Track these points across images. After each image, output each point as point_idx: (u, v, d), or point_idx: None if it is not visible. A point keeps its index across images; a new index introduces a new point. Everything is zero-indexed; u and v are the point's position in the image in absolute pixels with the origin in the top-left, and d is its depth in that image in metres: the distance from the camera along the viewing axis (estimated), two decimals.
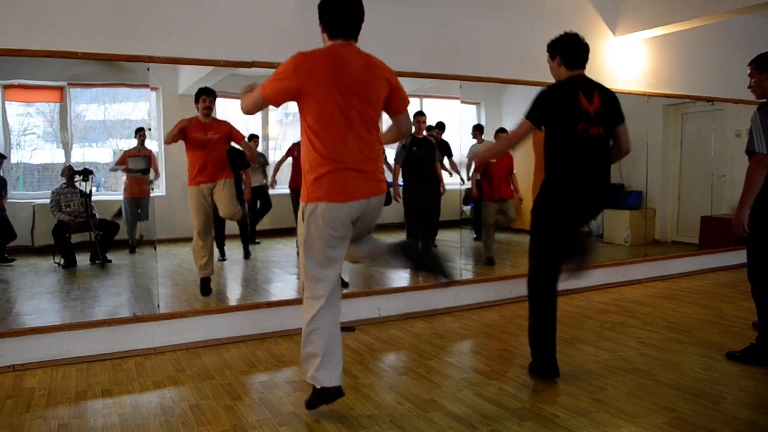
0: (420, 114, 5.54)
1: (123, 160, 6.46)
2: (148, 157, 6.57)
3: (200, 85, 6.57)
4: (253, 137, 6.80)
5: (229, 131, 4.61)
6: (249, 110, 2.57)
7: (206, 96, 4.51)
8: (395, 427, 2.59)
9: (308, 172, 2.45)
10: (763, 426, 2.59)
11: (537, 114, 2.99)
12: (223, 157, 4.60)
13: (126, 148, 7.00)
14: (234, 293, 5.34)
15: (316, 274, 2.53)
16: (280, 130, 7.79)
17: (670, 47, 5.79)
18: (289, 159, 5.91)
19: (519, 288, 4.82)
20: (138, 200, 6.52)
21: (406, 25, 4.49)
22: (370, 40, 4.41)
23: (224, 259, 6.10)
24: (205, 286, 4.53)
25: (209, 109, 4.50)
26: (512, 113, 7.10)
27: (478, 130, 6.57)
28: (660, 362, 3.45)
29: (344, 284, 4.58)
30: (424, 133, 5.68)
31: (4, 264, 5.35)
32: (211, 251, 4.63)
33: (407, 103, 2.67)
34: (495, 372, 3.26)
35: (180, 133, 4.38)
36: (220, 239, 6.07)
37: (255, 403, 2.88)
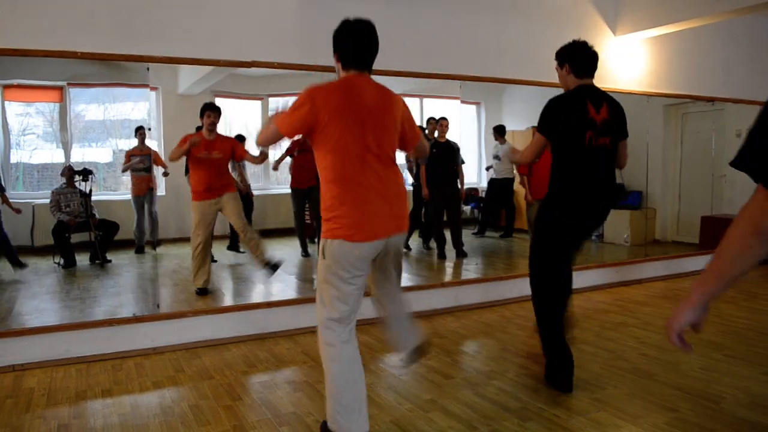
0: (443, 119, 5.82)
1: (127, 160, 6.53)
2: (149, 155, 6.61)
3: (200, 85, 6.56)
4: (242, 139, 6.74)
5: (232, 149, 4.66)
6: (264, 144, 2.49)
7: (211, 112, 4.51)
8: (395, 428, 2.59)
9: (326, 209, 2.30)
10: (763, 426, 2.59)
11: (547, 126, 2.99)
12: (227, 173, 4.70)
13: (125, 148, 7.02)
14: (234, 293, 5.34)
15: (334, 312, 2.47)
16: None
17: (670, 47, 5.78)
18: (287, 158, 5.89)
19: (519, 288, 4.83)
20: (142, 198, 6.58)
21: (406, 25, 4.48)
22: None
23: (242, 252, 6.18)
24: (202, 293, 4.56)
25: (214, 124, 4.52)
26: (512, 113, 7.10)
27: (499, 132, 6.53)
28: (660, 362, 3.44)
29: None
30: (447, 137, 5.84)
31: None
32: (209, 262, 4.68)
33: (418, 135, 2.55)
34: (495, 372, 3.25)
35: (186, 151, 4.45)
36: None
37: (255, 403, 2.88)
